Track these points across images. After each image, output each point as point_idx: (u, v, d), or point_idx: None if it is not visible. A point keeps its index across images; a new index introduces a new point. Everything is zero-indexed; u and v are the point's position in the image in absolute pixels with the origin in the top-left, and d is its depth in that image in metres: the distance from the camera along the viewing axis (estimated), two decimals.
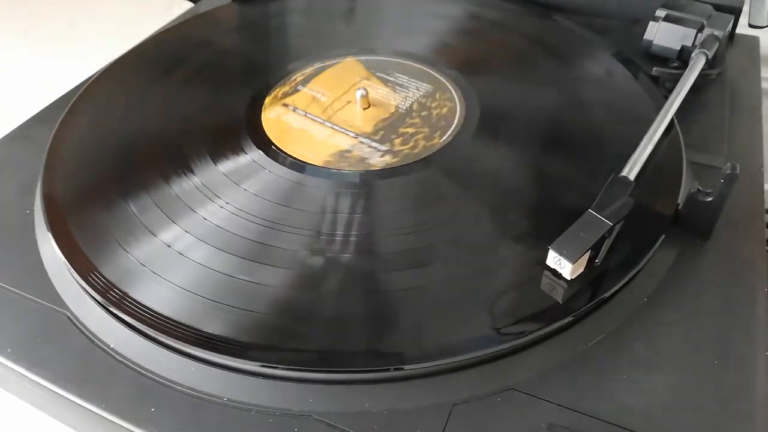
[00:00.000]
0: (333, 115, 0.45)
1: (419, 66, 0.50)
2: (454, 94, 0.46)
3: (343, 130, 0.44)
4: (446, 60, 0.50)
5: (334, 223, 0.37)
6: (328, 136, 0.44)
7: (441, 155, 0.41)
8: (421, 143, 0.42)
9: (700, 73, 0.45)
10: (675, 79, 0.46)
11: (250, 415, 0.29)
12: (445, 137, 0.42)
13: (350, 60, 0.51)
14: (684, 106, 0.42)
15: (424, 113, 0.45)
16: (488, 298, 0.32)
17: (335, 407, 0.29)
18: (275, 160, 0.41)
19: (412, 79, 0.48)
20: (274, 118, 0.45)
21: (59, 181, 0.40)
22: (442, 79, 0.48)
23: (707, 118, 0.46)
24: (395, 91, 0.47)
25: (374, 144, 0.43)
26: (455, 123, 0.44)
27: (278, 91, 0.48)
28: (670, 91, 0.46)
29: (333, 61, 0.51)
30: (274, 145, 0.42)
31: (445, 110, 0.45)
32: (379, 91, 0.47)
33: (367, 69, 0.50)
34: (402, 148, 0.42)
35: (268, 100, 0.47)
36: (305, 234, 0.36)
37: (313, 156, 0.42)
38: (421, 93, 0.47)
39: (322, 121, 0.45)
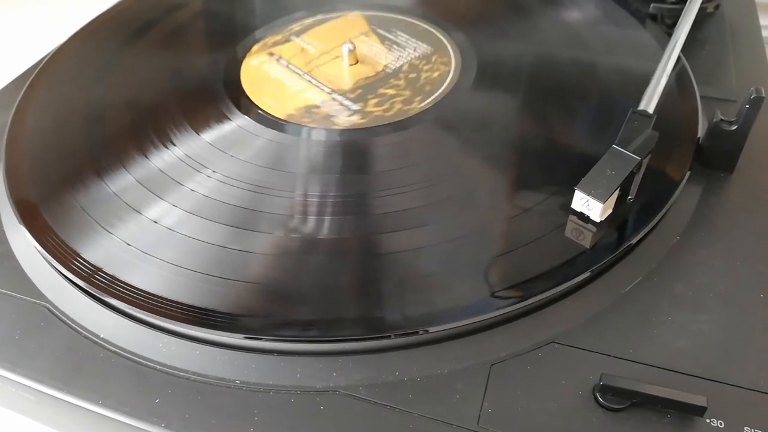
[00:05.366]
0: (315, 69, 0.43)
1: (426, 26, 0.46)
2: (453, 59, 0.43)
3: (319, 85, 0.41)
4: (453, 20, 0.47)
5: (309, 183, 0.34)
6: (303, 89, 0.41)
7: (411, 122, 0.38)
8: (397, 106, 0.39)
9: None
10: (673, 15, 0.44)
11: (268, 397, 0.26)
12: (424, 103, 0.39)
13: (355, 14, 0.48)
14: (685, 43, 0.40)
15: (413, 75, 0.42)
16: (514, 251, 0.30)
17: (363, 379, 0.26)
18: (237, 107, 0.39)
19: (412, 39, 0.45)
20: (256, 65, 0.43)
21: (24, 164, 0.36)
22: (446, 42, 0.45)
23: (710, 53, 0.44)
24: (390, 50, 0.44)
25: (347, 102, 0.40)
26: (441, 90, 0.40)
27: (269, 40, 0.46)
28: (669, 27, 0.44)
29: (336, 14, 0.48)
30: (244, 94, 0.40)
31: (436, 74, 0.41)
32: (372, 48, 0.44)
33: (369, 25, 0.47)
34: (375, 109, 0.39)
35: (255, 47, 0.45)
36: (288, 196, 0.33)
37: (279, 108, 0.39)
38: (417, 54, 0.44)
39: (301, 73, 0.42)
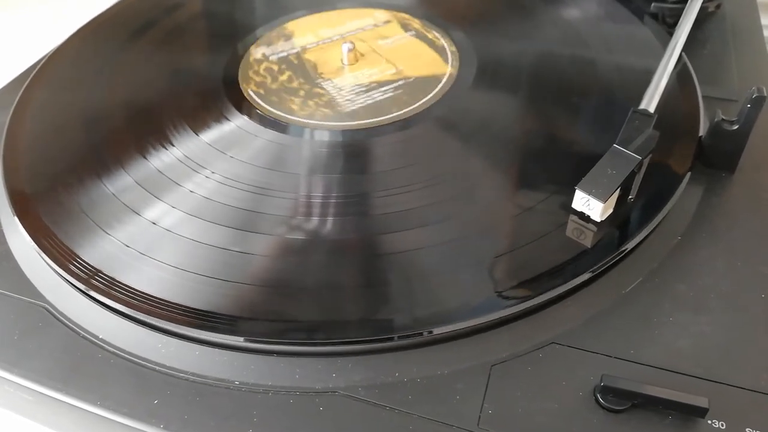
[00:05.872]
0: (333, 41, 0.46)
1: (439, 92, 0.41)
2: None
3: (312, 42, 0.46)
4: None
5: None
6: (313, 38, 0.47)
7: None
8: (269, 92, 0.41)
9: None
10: (674, 14, 0.44)
11: (267, 398, 0.26)
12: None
13: (447, 46, 0.45)
14: (686, 42, 0.40)
15: (323, 98, 0.40)
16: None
17: (362, 380, 0.26)
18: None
19: (411, 96, 0.40)
20: (339, 9, 0.50)
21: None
22: (444, 42, 0.44)
23: (711, 52, 0.44)
24: (380, 85, 0.41)
25: (286, 59, 0.44)
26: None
27: (396, 13, 0.49)
28: (671, 26, 0.44)
29: (441, 42, 0.45)
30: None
31: (319, 112, 0.39)
32: (375, 70, 0.43)
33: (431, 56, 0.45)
34: (266, 79, 0.42)
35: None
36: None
37: (288, 32, 0.48)
38: (375, 98, 0.40)
39: (331, 34, 0.47)
